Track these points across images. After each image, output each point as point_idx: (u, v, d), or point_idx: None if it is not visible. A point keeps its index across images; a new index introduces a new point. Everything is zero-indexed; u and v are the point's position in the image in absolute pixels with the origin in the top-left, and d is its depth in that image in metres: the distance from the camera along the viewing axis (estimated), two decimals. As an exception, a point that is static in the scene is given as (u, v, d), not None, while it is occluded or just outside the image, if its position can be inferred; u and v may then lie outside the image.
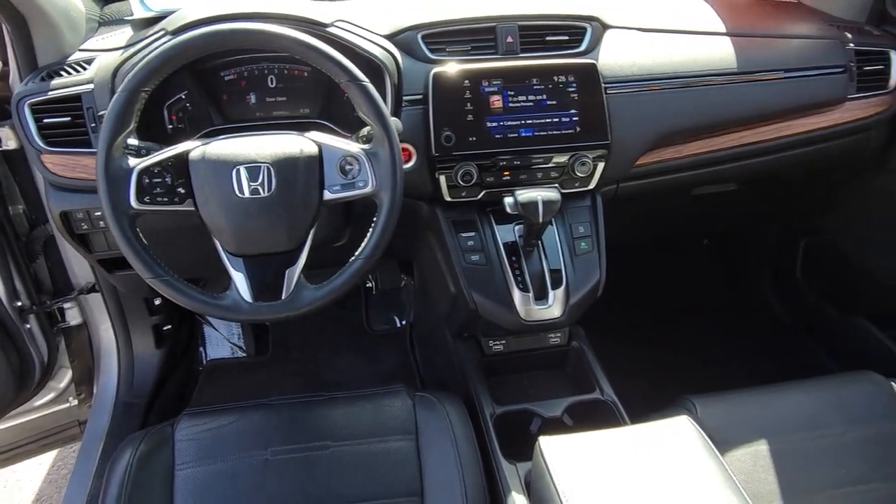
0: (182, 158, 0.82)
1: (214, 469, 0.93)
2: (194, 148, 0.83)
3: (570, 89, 1.02)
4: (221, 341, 1.61)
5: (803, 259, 1.52)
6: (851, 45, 1.17)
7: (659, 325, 1.62)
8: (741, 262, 1.71)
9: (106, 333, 1.34)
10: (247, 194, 0.81)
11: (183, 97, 1.02)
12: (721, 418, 0.99)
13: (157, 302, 1.38)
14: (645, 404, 1.05)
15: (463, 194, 1.03)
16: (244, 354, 1.62)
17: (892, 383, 1.04)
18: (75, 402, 1.38)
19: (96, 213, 1.02)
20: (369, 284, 1.67)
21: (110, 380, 1.35)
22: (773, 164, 1.18)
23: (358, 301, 1.67)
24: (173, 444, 0.96)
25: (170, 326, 1.42)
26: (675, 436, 0.77)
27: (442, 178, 1.01)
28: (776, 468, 0.95)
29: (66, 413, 1.38)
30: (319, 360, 1.58)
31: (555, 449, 0.75)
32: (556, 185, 1.04)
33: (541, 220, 0.95)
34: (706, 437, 0.77)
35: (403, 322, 1.63)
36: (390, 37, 1.03)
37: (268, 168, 0.81)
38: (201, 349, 1.62)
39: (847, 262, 1.41)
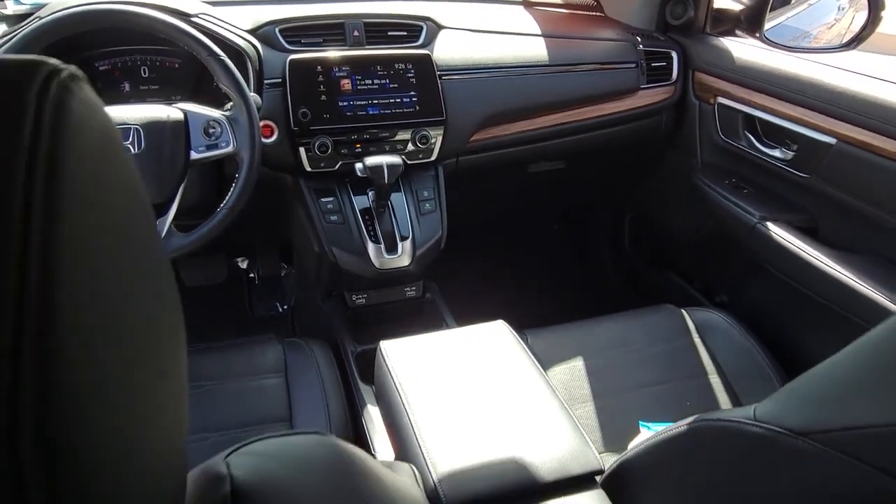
0: None
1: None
2: None
3: (409, 75, 1.22)
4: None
5: (629, 231, 1.79)
6: (641, 46, 1.45)
7: (510, 285, 1.82)
8: (584, 240, 1.97)
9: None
10: (119, 151, 0.93)
11: None
12: (546, 344, 1.19)
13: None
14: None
15: (322, 165, 1.19)
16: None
17: (683, 311, 1.28)
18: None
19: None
20: (252, 274, 1.78)
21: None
22: (587, 141, 1.43)
23: (241, 290, 1.77)
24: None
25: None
26: (492, 333, 0.94)
27: (302, 151, 1.17)
28: (589, 377, 1.15)
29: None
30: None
31: (392, 349, 0.90)
32: (402, 156, 1.22)
33: (386, 181, 1.12)
34: (517, 335, 0.95)
35: (285, 307, 1.75)
36: (252, 31, 1.19)
37: (137, 129, 0.94)
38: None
39: (659, 230, 1.68)
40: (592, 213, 1.90)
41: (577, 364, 1.17)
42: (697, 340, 1.23)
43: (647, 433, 0.82)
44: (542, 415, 0.81)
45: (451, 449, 0.74)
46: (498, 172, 1.46)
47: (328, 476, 0.42)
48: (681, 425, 0.68)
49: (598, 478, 0.75)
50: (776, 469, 0.57)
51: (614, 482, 0.74)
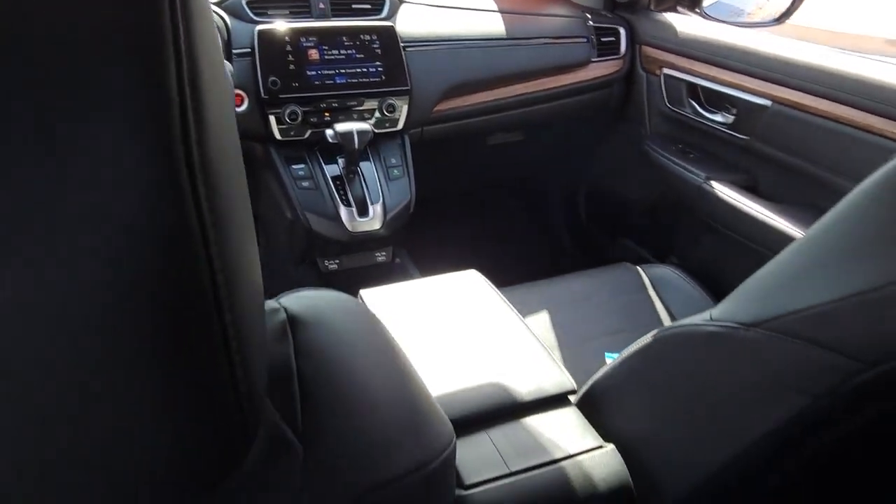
0: None
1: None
2: None
3: (374, 45, 1.26)
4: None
5: (585, 200, 1.88)
6: (591, 22, 1.53)
7: (475, 251, 1.88)
8: (543, 209, 2.05)
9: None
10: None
11: None
12: (517, 299, 1.26)
13: None
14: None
15: (292, 133, 1.22)
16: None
17: (639, 268, 1.36)
18: None
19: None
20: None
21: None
22: (543, 111, 1.50)
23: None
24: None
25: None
26: (466, 279, 1.00)
27: (272, 118, 1.20)
28: (554, 328, 1.22)
29: None
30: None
31: (371, 295, 0.95)
32: (370, 124, 1.26)
33: (356, 146, 1.16)
34: (489, 282, 1.01)
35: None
36: (218, 3, 1.21)
37: None
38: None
39: (613, 197, 1.78)
40: (550, 183, 1.98)
41: (543, 317, 1.24)
42: (653, 294, 1.32)
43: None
44: (517, 345, 0.87)
45: (433, 377, 0.79)
46: (461, 144, 1.52)
47: (365, 323, 0.47)
48: (644, 339, 0.75)
49: (571, 397, 0.82)
50: (735, 362, 0.64)
51: (587, 399, 0.81)
